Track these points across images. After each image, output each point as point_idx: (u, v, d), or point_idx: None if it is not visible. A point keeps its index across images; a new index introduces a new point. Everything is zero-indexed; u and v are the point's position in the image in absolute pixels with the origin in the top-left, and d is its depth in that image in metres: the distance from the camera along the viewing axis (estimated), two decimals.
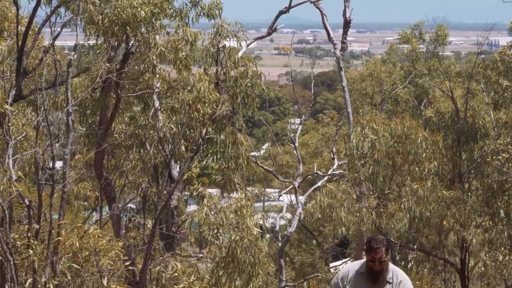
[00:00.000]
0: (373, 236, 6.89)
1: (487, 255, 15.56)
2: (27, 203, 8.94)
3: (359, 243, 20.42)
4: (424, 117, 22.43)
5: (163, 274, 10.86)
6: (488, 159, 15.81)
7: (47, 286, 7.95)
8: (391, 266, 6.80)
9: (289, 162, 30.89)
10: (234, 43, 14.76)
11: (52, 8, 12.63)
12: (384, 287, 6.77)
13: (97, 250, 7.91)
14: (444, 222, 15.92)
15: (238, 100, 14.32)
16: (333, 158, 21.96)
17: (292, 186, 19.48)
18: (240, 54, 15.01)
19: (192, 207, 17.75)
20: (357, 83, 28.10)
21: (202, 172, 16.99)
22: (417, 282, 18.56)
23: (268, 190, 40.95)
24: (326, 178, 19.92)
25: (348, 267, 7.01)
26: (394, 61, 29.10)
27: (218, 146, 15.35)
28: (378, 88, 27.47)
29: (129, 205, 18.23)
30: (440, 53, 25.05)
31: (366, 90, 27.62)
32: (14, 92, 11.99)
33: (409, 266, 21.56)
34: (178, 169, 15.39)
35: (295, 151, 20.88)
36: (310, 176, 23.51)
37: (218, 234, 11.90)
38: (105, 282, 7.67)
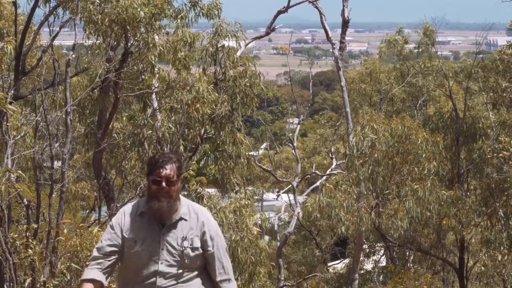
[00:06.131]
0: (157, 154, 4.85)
1: (486, 254, 15.56)
2: (26, 202, 8.92)
3: (358, 243, 20.41)
4: (423, 117, 22.41)
5: None
6: (489, 156, 15.81)
7: (47, 285, 7.94)
8: (185, 199, 4.80)
9: (286, 165, 30.79)
10: (233, 43, 14.74)
11: (51, 8, 12.61)
12: (174, 223, 4.65)
13: None
14: (444, 222, 15.92)
15: (237, 99, 14.29)
16: (332, 158, 21.98)
17: (290, 186, 19.48)
18: (238, 53, 14.99)
19: None
20: (356, 83, 28.05)
21: (200, 171, 16.96)
22: (416, 282, 18.53)
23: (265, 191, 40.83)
24: (324, 177, 19.92)
25: (123, 209, 4.80)
26: (386, 63, 29.08)
27: (217, 145, 15.34)
28: (375, 88, 27.41)
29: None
30: (438, 52, 24.99)
31: (365, 90, 27.57)
32: (12, 91, 11.96)
33: (407, 265, 21.55)
34: None
35: (293, 151, 20.88)
36: (308, 176, 23.51)
37: None
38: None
